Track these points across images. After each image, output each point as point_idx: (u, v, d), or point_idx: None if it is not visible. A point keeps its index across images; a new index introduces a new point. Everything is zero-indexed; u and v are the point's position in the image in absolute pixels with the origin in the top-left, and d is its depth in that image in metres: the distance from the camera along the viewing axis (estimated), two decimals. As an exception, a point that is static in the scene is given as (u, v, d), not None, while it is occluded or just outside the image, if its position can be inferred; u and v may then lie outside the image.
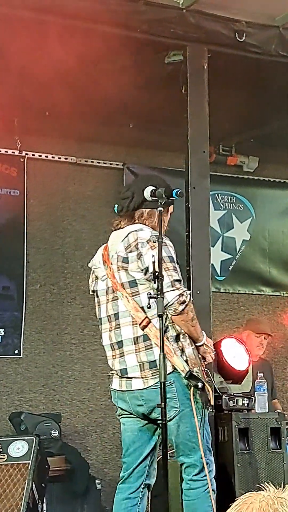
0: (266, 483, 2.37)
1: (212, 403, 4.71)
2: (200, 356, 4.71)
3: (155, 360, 4.58)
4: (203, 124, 6.19)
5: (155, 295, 4.36)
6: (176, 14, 6.03)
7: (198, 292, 6.04)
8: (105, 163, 8.26)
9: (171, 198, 4.73)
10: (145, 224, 4.78)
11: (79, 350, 8.01)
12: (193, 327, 4.63)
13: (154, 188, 4.69)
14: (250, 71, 6.73)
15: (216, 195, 8.56)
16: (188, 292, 4.63)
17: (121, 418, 4.91)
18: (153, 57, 6.36)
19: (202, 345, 4.70)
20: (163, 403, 4.25)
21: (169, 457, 4.49)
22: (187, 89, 6.17)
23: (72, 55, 6.49)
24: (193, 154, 6.15)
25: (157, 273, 4.33)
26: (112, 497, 7.75)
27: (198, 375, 4.57)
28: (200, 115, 6.18)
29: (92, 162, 8.20)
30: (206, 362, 4.76)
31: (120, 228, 4.86)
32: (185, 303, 4.55)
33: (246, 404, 6.06)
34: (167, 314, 4.56)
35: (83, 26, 5.91)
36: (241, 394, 6.09)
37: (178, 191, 4.72)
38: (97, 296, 4.89)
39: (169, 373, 4.50)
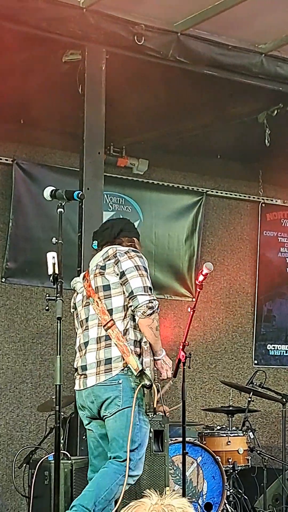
0: (148, 490, 2.36)
1: (155, 406, 4.89)
2: (155, 369, 5.02)
3: (110, 358, 4.89)
4: (99, 125, 6.18)
5: (54, 297, 4.43)
6: (76, 14, 5.99)
7: (87, 293, 6.03)
8: (-6, 158, 8.14)
9: (72, 200, 4.74)
10: None
11: None
12: (156, 338, 4.93)
13: (54, 188, 4.71)
14: (146, 75, 6.75)
15: (105, 195, 8.54)
16: (157, 303, 4.93)
17: (84, 420, 5.14)
18: (51, 55, 6.30)
19: (160, 359, 5.00)
20: (57, 406, 4.28)
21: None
22: (84, 89, 6.14)
23: None
24: (88, 155, 6.14)
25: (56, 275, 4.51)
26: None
27: (148, 375, 4.83)
28: (96, 116, 6.17)
29: (-19, 156, 8.08)
30: (161, 378, 5.04)
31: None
32: (153, 309, 4.87)
33: (130, 406, 6.07)
34: (132, 317, 4.93)
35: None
36: (125, 396, 6.10)
37: (79, 193, 4.76)
38: (75, 308, 5.23)
39: (119, 373, 4.85)
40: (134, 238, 5.24)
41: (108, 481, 4.85)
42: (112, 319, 4.92)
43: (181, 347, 6.24)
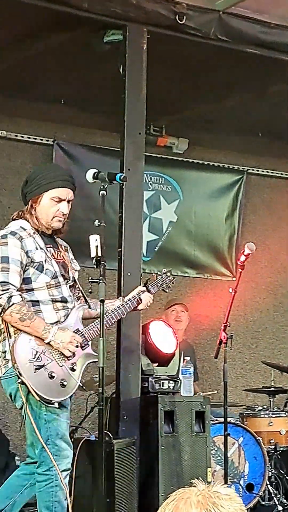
0: (194, 480, 2.35)
1: (37, 398, 4.60)
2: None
3: (5, 351, 4.68)
4: (140, 106, 6.14)
5: (97, 280, 4.41)
6: (117, -6, 5.95)
7: (129, 274, 6.05)
8: (35, 139, 8.13)
9: (114, 182, 4.72)
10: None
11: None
12: (27, 327, 4.63)
13: (96, 171, 4.69)
14: (187, 53, 6.70)
15: (145, 175, 8.50)
16: (7, 295, 4.61)
17: None
18: (92, 35, 6.27)
19: (49, 342, 4.68)
20: (100, 388, 4.30)
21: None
22: (125, 69, 6.10)
23: (6, 29, 6.40)
24: (129, 135, 6.10)
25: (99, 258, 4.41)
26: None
27: (18, 370, 4.59)
28: (137, 96, 6.13)
29: (22, 137, 8.07)
30: (68, 356, 4.77)
31: None
32: (1, 306, 4.58)
33: (171, 387, 6.08)
34: None
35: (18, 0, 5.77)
36: (167, 377, 6.11)
37: (121, 175, 4.75)
38: None
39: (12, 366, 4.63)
40: (31, 200, 4.93)
41: (46, 497, 4.70)
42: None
43: (222, 327, 6.24)
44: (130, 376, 6.01)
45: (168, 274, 5.35)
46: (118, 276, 6.13)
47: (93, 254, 4.56)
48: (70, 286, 4.96)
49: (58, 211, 4.87)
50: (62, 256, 4.97)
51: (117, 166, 6.20)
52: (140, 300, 5.16)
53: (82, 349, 4.83)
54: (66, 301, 4.86)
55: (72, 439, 6.48)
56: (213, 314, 8.70)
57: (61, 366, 4.69)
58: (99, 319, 4.75)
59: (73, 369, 4.76)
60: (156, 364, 6.21)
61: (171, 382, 6.10)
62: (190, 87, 7.60)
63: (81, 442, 5.78)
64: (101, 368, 4.44)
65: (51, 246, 4.90)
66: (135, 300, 5.12)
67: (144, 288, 5.18)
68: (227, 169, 9.25)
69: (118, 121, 6.29)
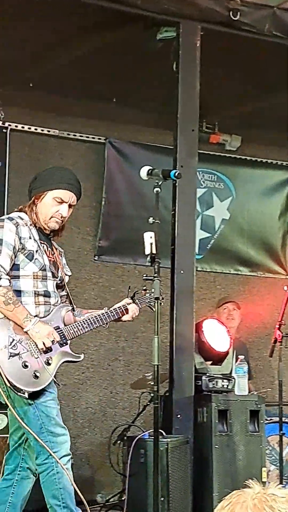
0: (249, 480, 2.31)
1: (8, 384, 4.51)
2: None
3: None
4: (193, 103, 6.13)
5: (151, 277, 4.40)
6: (170, -10, 5.94)
7: (182, 271, 6.04)
8: (87, 137, 8.15)
9: (168, 179, 4.70)
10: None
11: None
12: (9, 312, 4.59)
13: (151, 168, 4.68)
14: (241, 50, 6.66)
15: (198, 172, 8.46)
16: None
17: None
18: (144, 32, 6.27)
19: (27, 331, 4.63)
20: (155, 386, 4.30)
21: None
22: (178, 66, 6.08)
23: (59, 28, 6.42)
24: (182, 132, 6.09)
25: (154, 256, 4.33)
26: (81, 471, 7.83)
27: None
28: (190, 93, 6.12)
29: (75, 135, 8.09)
30: (40, 348, 4.66)
31: None
32: None
33: (226, 386, 6.06)
34: None
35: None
36: (221, 376, 6.08)
37: (176, 172, 4.71)
38: None
39: None
40: (34, 196, 4.89)
41: (51, 486, 4.61)
42: None
43: (277, 326, 6.19)
44: (183, 375, 6.00)
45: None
46: (171, 274, 6.12)
47: (147, 251, 4.54)
48: (57, 286, 4.91)
49: (57, 212, 4.84)
50: (55, 256, 4.94)
51: (169, 164, 6.18)
52: (127, 310, 5.04)
53: (60, 347, 4.78)
54: (49, 296, 4.81)
55: (125, 437, 6.51)
56: (266, 312, 8.63)
57: (36, 358, 4.64)
58: (81, 321, 4.82)
59: (48, 363, 4.69)
60: (210, 362, 6.18)
61: (225, 380, 6.07)
62: (243, 84, 7.55)
63: (135, 440, 5.78)
64: (156, 366, 4.42)
65: (45, 243, 4.89)
66: (120, 310, 5.04)
67: (131, 301, 5.11)
68: (280, 166, 9.16)
69: (171, 118, 6.29)
